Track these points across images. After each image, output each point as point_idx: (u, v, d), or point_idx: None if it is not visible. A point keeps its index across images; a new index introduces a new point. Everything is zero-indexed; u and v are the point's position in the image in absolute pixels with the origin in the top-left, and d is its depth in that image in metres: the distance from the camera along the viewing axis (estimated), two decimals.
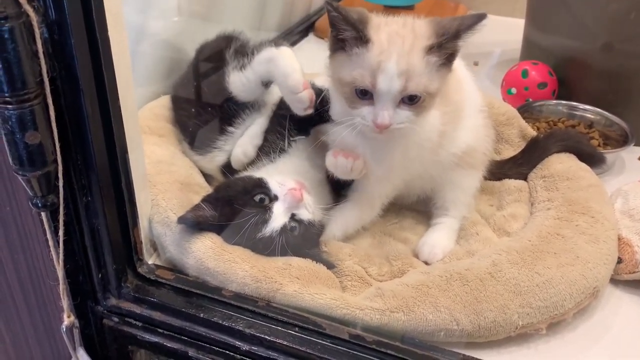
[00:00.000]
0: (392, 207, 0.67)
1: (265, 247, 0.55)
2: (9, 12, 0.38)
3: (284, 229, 0.55)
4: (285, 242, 0.55)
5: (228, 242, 0.56)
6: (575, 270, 0.54)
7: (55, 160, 0.45)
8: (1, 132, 0.42)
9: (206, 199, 0.58)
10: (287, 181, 0.57)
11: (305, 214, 0.57)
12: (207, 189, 0.67)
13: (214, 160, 0.68)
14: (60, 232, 0.48)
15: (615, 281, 0.61)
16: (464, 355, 0.50)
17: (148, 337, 0.55)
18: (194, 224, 0.56)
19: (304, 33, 1.28)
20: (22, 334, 0.64)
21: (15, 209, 0.54)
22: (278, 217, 0.55)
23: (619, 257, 0.61)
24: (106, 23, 0.44)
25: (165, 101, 0.78)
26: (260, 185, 0.57)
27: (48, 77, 0.42)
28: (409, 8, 1.31)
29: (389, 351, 0.49)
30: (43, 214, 0.47)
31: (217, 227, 0.56)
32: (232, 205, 0.56)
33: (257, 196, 0.57)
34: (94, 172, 0.48)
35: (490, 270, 0.54)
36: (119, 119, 0.48)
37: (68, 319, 0.52)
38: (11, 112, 0.41)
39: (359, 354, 0.49)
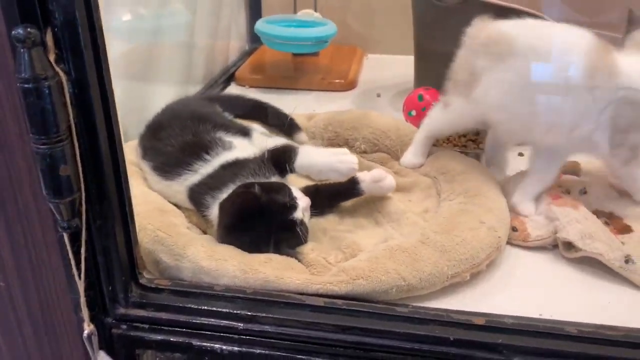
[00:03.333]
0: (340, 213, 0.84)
1: (290, 228, 0.72)
2: (47, 74, 0.50)
3: (301, 222, 0.73)
4: (299, 233, 0.72)
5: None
6: (481, 231, 0.72)
7: (79, 189, 0.56)
8: (37, 167, 0.53)
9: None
10: (297, 191, 0.75)
11: (307, 216, 0.74)
12: (181, 215, 0.79)
13: (186, 182, 0.80)
14: (82, 250, 0.58)
15: (514, 245, 0.79)
16: (412, 305, 0.66)
17: (154, 336, 0.65)
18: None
19: (226, 83, 1.43)
20: None
21: (30, 243, 0.63)
22: (300, 210, 0.73)
23: (514, 227, 0.80)
24: (111, 81, 0.57)
25: (128, 147, 0.89)
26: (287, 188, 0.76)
27: (74, 122, 0.54)
28: (314, 54, 1.51)
29: (358, 309, 0.63)
30: (66, 235, 0.58)
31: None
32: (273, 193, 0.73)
33: (288, 192, 0.74)
34: (106, 199, 0.59)
35: (421, 239, 0.71)
36: (122, 156, 0.60)
37: (88, 327, 0.62)
38: (48, 151, 0.52)
39: (335, 315, 0.63)
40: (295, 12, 1.55)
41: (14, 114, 0.56)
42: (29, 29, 0.49)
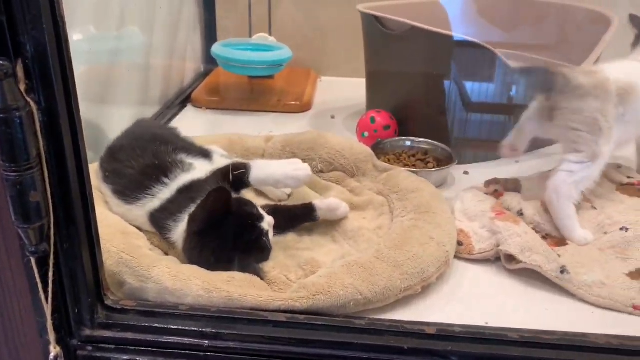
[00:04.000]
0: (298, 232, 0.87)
1: (257, 238, 0.76)
2: (19, 105, 0.52)
3: (267, 232, 0.76)
4: (265, 242, 0.76)
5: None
6: (431, 246, 0.78)
7: (48, 214, 0.58)
8: (6, 194, 0.55)
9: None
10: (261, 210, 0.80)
11: (271, 234, 0.78)
12: (144, 237, 0.81)
13: (146, 206, 0.82)
14: (50, 274, 0.60)
15: (461, 258, 0.85)
16: (369, 318, 0.71)
17: (121, 356, 0.67)
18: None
19: (182, 104, 1.45)
20: None
21: None
22: (266, 222, 0.76)
23: (460, 241, 0.86)
24: (79, 109, 0.59)
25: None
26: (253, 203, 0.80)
27: (44, 150, 0.55)
28: (269, 77, 1.55)
29: (318, 322, 0.67)
30: (33, 259, 0.59)
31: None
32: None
33: (255, 209, 0.78)
34: (74, 223, 0.61)
35: (376, 255, 0.75)
36: (90, 181, 0.62)
37: (55, 350, 0.63)
38: (19, 178, 0.54)
39: (296, 329, 0.66)
40: (250, 35, 1.59)
41: None
42: (1, 62, 0.50)
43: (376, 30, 1.20)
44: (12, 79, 0.52)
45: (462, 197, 0.96)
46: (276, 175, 0.86)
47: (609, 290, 0.76)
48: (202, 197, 0.79)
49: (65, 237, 0.61)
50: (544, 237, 0.87)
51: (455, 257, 0.84)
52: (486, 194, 0.97)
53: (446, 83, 1.13)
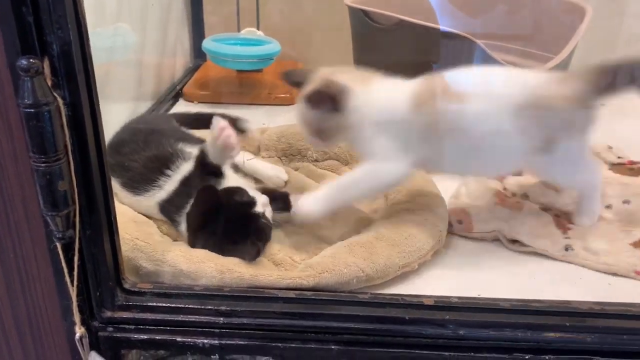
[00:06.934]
0: None
1: (254, 222, 0.78)
2: (48, 100, 0.56)
3: (263, 213, 0.80)
4: (261, 223, 0.78)
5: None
6: (426, 227, 0.83)
7: (74, 202, 0.61)
8: (36, 184, 0.59)
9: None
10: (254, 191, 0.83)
11: (269, 212, 0.82)
12: (154, 225, 0.85)
13: (155, 197, 0.86)
14: (76, 258, 0.64)
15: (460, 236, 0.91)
16: (371, 292, 0.76)
17: (140, 336, 0.71)
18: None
19: (175, 99, 1.49)
20: None
21: (20, 256, 0.67)
22: (260, 205, 0.80)
23: (460, 220, 0.91)
24: (99, 102, 0.63)
25: None
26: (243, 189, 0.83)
27: (69, 142, 0.59)
28: (258, 71, 1.58)
29: (325, 297, 0.72)
30: (60, 245, 0.63)
31: None
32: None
33: (245, 192, 0.82)
34: (95, 211, 0.65)
35: (376, 235, 0.81)
36: (108, 170, 0.66)
37: (80, 330, 0.67)
38: (48, 168, 0.58)
39: (305, 304, 0.71)
40: (239, 30, 1.62)
41: (8, 135, 0.61)
42: (31, 60, 0.54)
43: (364, 23, 1.25)
44: (41, 76, 0.55)
45: (467, 182, 1.01)
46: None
47: (615, 257, 0.82)
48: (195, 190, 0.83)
49: (88, 223, 0.65)
50: (557, 216, 0.92)
51: (454, 234, 0.90)
52: (489, 177, 1.02)
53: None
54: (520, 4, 1.50)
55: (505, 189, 0.99)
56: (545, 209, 0.94)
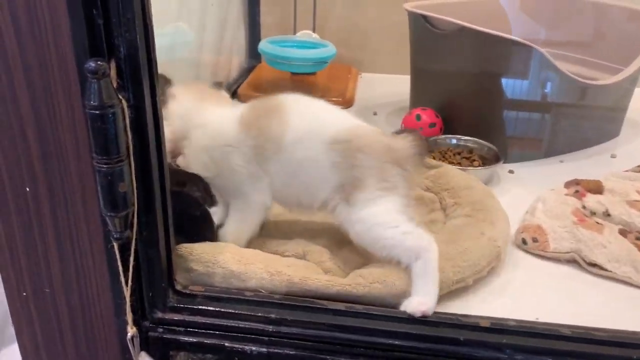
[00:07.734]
0: None
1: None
2: (113, 102, 0.57)
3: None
4: None
5: None
6: (482, 241, 0.80)
7: (133, 204, 0.62)
8: (97, 184, 0.59)
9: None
10: None
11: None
12: None
13: None
14: (131, 258, 0.64)
15: (527, 251, 0.88)
16: None
17: (189, 338, 0.71)
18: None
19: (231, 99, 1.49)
20: None
21: (77, 253, 0.69)
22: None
23: (535, 238, 0.87)
24: (161, 107, 0.63)
25: None
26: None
27: (132, 144, 0.60)
28: (312, 74, 1.58)
29: (376, 312, 0.70)
30: (117, 245, 0.64)
31: None
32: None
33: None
34: (152, 213, 0.65)
35: None
36: (168, 174, 0.66)
37: (132, 330, 0.68)
38: (110, 169, 0.58)
39: (355, 318, 0.70)
40: (294, 32, 1.62)
41: (73, 134, 0.62)
42: (99, 62, 0.55)
43: (424, 28, 1.22)
44: (108, 79, 0.56)
45: (544, 198, 0.97)
46: None
47: None
48: None
49: (145, 225, 0.65)
50: (638, 239, 0.87)
51: (528, 252, 0.87)
52: (567, 195, 0.98)
53: (495, 82, 1.14)
54: (585, 13, 1.45)
55: (584, 207, 0.94)
56: (625, 232, 0.89)
